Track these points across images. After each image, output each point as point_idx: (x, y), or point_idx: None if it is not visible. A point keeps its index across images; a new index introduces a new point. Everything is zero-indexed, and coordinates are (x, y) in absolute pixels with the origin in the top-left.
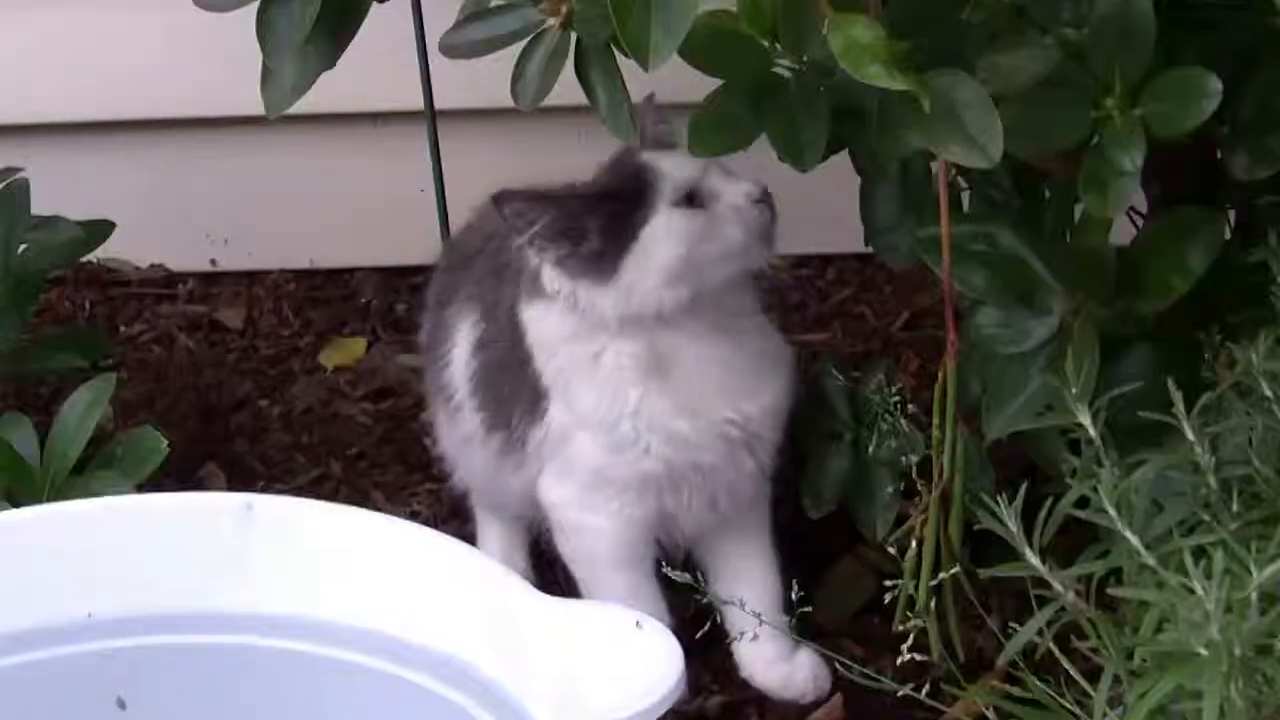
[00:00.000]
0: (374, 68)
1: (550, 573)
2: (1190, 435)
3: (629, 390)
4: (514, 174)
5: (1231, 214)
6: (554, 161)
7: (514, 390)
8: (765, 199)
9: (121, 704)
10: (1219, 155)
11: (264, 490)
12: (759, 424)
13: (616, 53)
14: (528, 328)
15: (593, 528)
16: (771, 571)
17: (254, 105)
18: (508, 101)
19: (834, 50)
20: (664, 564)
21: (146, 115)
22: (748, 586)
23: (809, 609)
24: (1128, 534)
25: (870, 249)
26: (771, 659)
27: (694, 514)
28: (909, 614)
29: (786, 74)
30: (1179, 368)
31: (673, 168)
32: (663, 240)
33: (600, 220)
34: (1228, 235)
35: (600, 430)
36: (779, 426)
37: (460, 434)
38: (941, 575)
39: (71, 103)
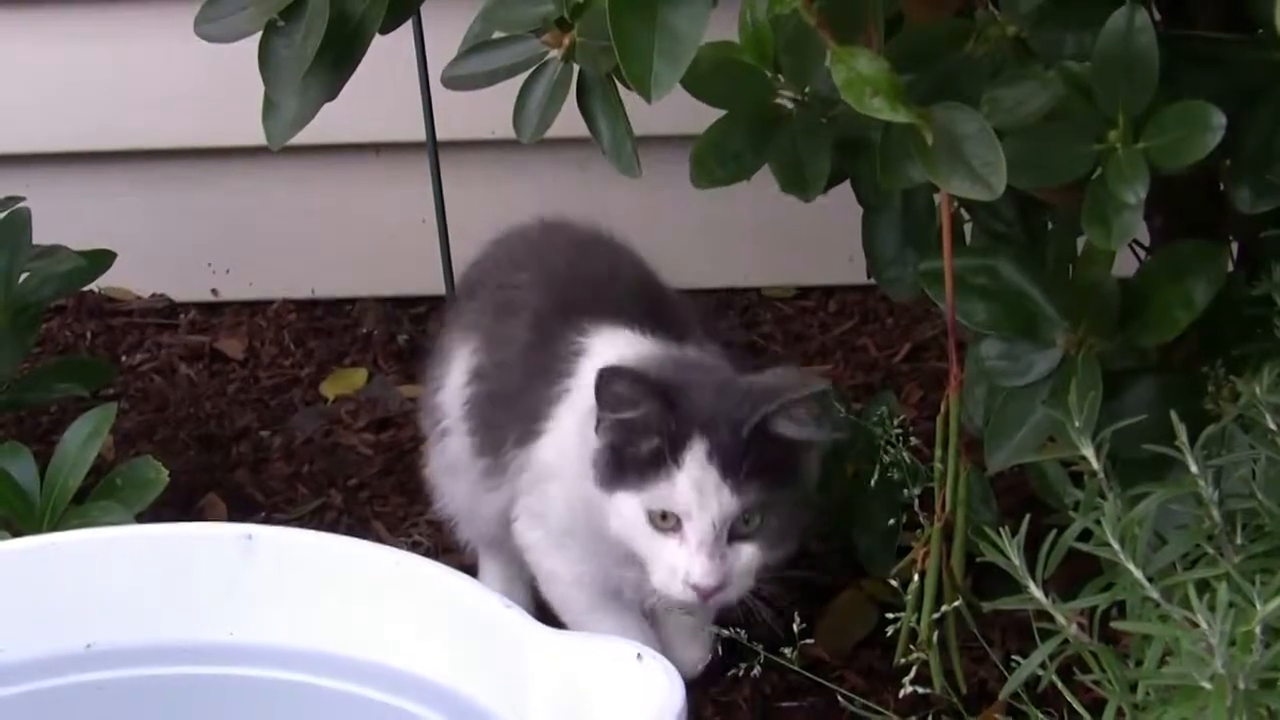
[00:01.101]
0: (376, 99)
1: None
2: (1194, 468)
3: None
4: (515, 205)
5: (1235, 247)
6: (556, 193)
7: (507, 419)
8: (700, 590)
9: None
10: (1222, 188)
11: (264, 520)
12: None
13: (619, 84)
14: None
15: (565, 578)
16: None
17: (256, 136)
18: (510, 133)
19: (836, 83)
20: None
21: (148, 145)
22: None
23: (810, 641)
24: (1131, 567)
25: (873, 281)
26: None
27: None
28: (911, 646)
29: (789, 105)
30: (1182, 400)
31: (682, 486)
32: (616, 515)
33: (647, 446)
34: (1231, 268)
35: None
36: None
37: (445, 460)
38: (944, 608)
39: (73, 133)
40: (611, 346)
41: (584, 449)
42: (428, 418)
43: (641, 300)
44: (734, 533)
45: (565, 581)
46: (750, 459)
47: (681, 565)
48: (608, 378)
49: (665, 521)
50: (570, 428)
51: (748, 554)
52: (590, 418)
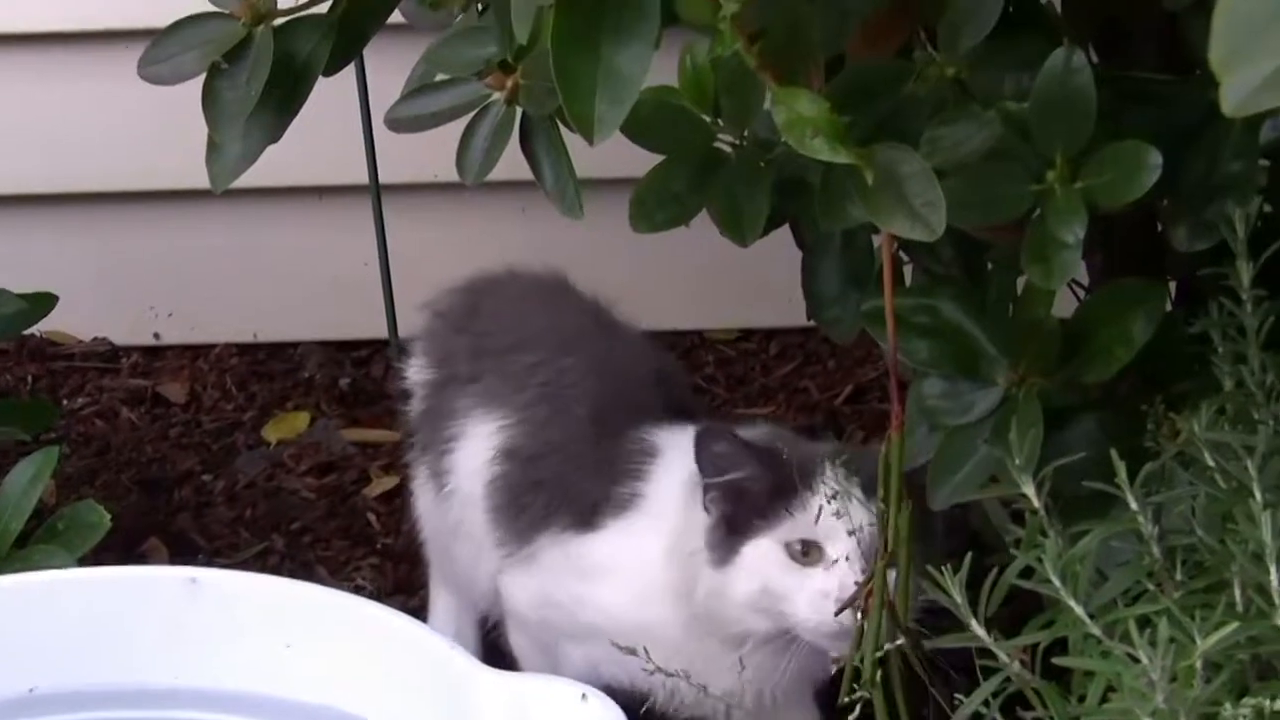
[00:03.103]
0: (319, 141)
1: (498, 647)
2: (1134, 505)
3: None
4: (459, 248)
5: (1173, 285)
6: (499, 236)
7: (551, 503)
8: (849, 603)
9: None
10: (1160, 227)
11: (207, 565)
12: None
13: (562, 127)
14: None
15: (560, 651)
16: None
17: (199, 178)
18: (453, 175)
19: (778, 123)
20: None
21: (90, 188)
22: None
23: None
24: (1072, 603)
25: (813, 322)
26: None
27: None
28: (854, 685)
29: (728, 149)
30: (1122, 438)
31: (822, 507)
32: (748, 569)
33: (764, 498)
34: (1169, 306)
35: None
36: None
37: (447, 521)
38: (887, 646)
39: (14, 175)
40: (685, 444)
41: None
42: (429, 473)
43: (671, 386)
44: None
45: (553, 663)
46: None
47: (834, 585)
48: (706, 440)
49: (806, 556)
50: (639, 537)
51: (889, 576)
52: (680, 521)
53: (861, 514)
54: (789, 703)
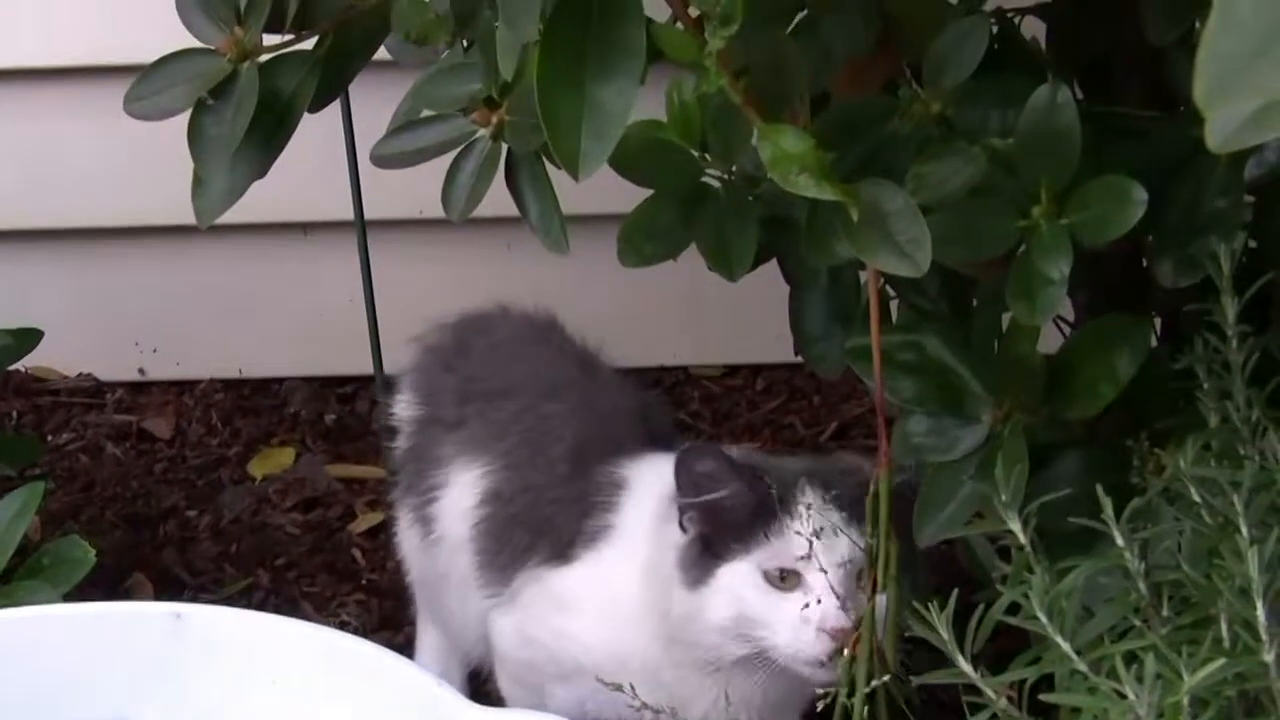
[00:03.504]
0: (305, 177)
1: (484, 684)
2: (1120, 540)
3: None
4: (444, 284)
5: (1158, 321)
6: (484, 272)
7: (531, 539)
8: (838, 634)
9: None
10: (1145, 263)
11: (192, 600)
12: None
13: (547, 162)
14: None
15: (546, 692)
16: None
17: (184, 214)
18: (438, 211)
19: (763, 160)
20: None
21: (75, 224)
22: None
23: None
24: (1059, 639)
25: (799, 358)
26: None
27: None
28: None
29: (716, 184)
30: (1108, 474)
31: (801, 531)
32: (724, 592)
33: (742, 520)
34: (1155, 343)
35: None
36: None
37: (435, 569)
38: (874, 683)
39: None
40: (653, 474)
41: (658, 566)
42: (414, 518)
43: (649, 415)
44: (858, 583)
45: (540, 701)
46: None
47: (814, 612)
48: (691, 458)
49: (784, 582)
50: (610, 567)
51: (879, 601)
52: (649, 549)
53: (842, 541)
54: None
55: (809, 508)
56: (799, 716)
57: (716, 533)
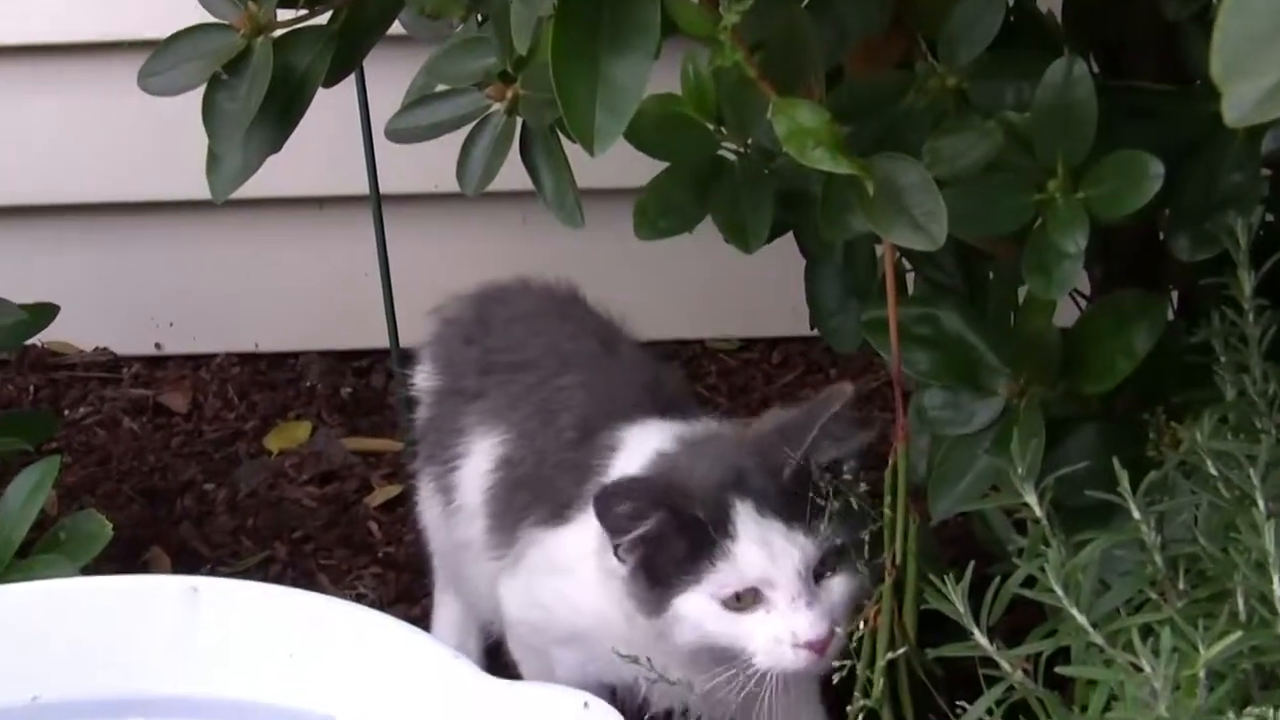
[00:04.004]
0: (320, 152)
1: (501, 654)
2: (1136, 514)
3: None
4: (459, 258)
5: (1174, 296)
6: (499, 246)
7: (532, 500)
8: (815, 645)
9: None
10: (1161, 237)
11: (209, 574)
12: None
13: (562, 137)
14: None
15: (552, 656)
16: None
17: (199, 189)
18: (453, 186)
19: (778, 134)
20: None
21: (91, 199)
22: None
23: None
24: (1075, 613)
25: (816, 332)
26: None
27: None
28: (857, 695)
29: (731, 157)
30: (1124, 448)
31: (746, 553)
32: (684, 622)
33: (681, 547)
34: (1171, 317)
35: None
36: None
37: (454, 537)
38: (891, 655)
39: (14, 187)
40: (643, 438)
41: (609, 580)
42: (436, 489)
43: (662, 385)
44: (817, 574)
45: (549, 666)
46: (805, 495)
47: (784, 630)
48: (606, 500)
49: (741, 601)
50: (596, 530)
51: (840, 584)
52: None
53: (788, 546)
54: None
55: (747, 524)
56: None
57: (658, 561)
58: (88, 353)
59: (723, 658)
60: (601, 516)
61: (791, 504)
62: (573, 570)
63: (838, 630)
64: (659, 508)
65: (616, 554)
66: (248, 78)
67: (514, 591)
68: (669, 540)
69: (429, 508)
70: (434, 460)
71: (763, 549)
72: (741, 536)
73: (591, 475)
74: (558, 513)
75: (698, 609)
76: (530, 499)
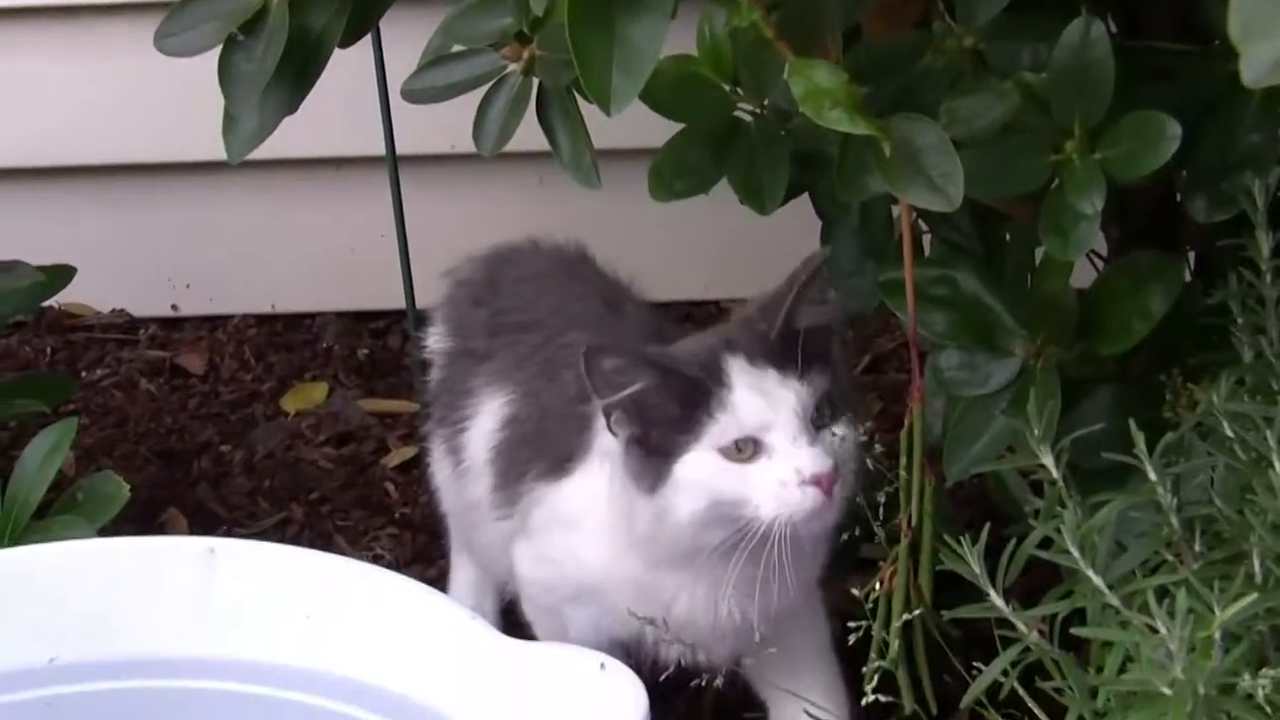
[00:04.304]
0: (336, 113)
1: (518, 616)
2: (1152, 476)
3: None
4: (475, 219)
5: (1191, 257)
6: (515, 207)
7: (533, 455)
8: (821, 480)
9: None
10: (1178, 199)
11: (225, 535)
12: (785, 613)
13: (578, 97)
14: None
15: (564, 615)
16: (829, 682)
17: (216, 150)
18: (469, 146)
19: (795, 95)
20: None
21: (108, 160)
22: (807, 690)
23: (772, 650)
24: (1091, 574)
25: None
26: None
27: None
28: (872, 656)
29: (747, 118)
30: (1140, 409)
31: (744, 401)
32: (687, 486)
33: (674, 410)
34: (1187, 278)
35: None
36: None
37: (465, 497)
38: (906, 616)
39: (32, 148)
40: None
41: (614, 475)
42: (446, 450)
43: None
44: (815, 425)
45: (562, 625)
46: (793, 352)
47: (788, 470)
48: (594, 356)
49: (743, 452)
50: (591, 478)
51: (840, 435)
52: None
53: (786, 392)
54: (804, 657)
55: (740, 373)
56: (835, 643)
57: (654, 431)
58: (105, 314)
59: (728, 520)
60: (590, 373)
61: (782, 356)
62: (579, 523)
63: (842, 475)
64: (648, 367)
65: (609, 425)
66: (264, 38)
67: (527, 552)
68: (660, 406)
69: (440, 469)
70: (445, 422)
71: (759, 395)
72: (737, 385)
73: (591, 425)
74: (559, 465)
75: (701, 466)
76: (532, 454)
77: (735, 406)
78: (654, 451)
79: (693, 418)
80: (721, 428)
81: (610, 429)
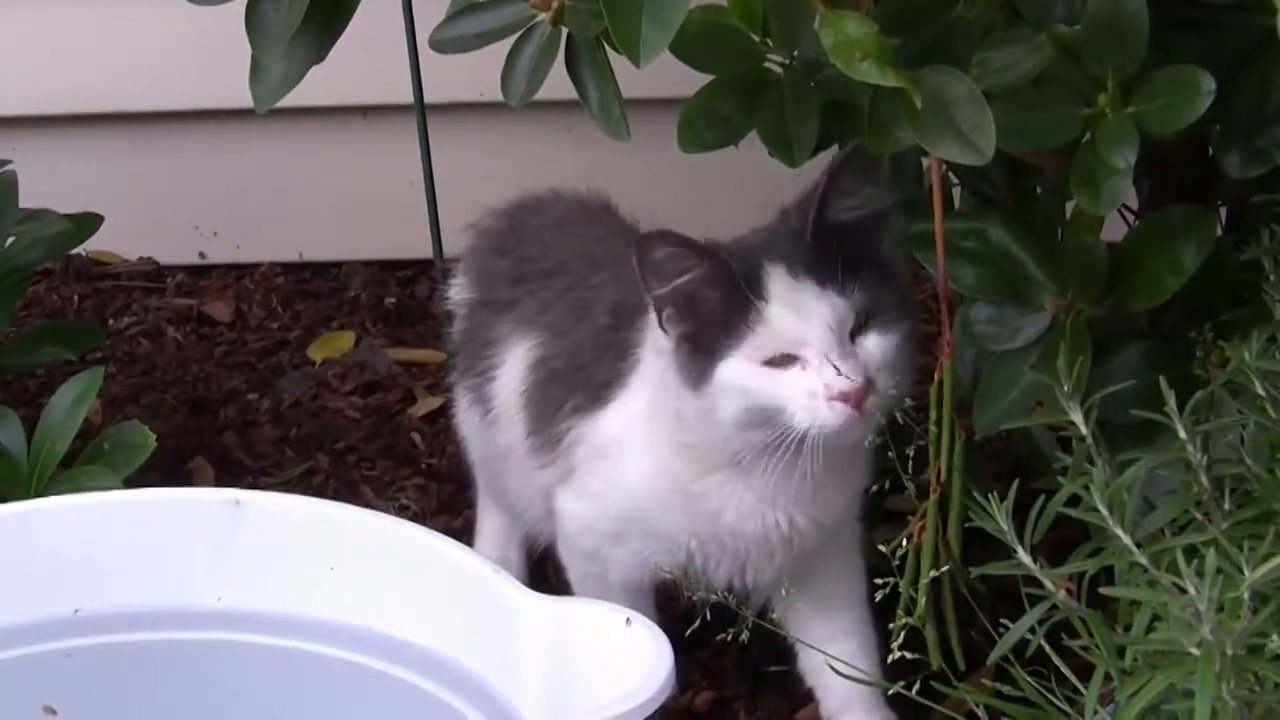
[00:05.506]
0: (364, 61)
1: (544, 568)
2: (1182, 434)
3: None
4: (503, 168)
5: (1223, 212)
6: (544, 156)
7: (567, 392)
8: (849, 397)
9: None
10: (1211, 153)
11: (252, 484)
12: (829, 524)
13: (608, 48)
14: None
15: (604, 556)
16: (863, 630)
17: (243, 98)
18: (498, 95)
19: (825, 46)
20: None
21: (135, 108)
22: (839, 644)
23: (798, 605)
24: (1119, 532)
25: None
26: None
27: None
28: (900, 612)
29: (777, 70)
30: (1171, 366)
31: (779, 316)
32: (728, 388)
33: (721, 310)
34: (1219, 234)
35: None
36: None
37: (493, 448)
38: (934, 573)
39: (60, 95)
40: None
41: (664, 375)
42: (473, 399)
43: None
44: (853, 333)
45: (602, 559)
46: (834, 256)
47: (817, 384)
48: (646, 245)
49: (780, 363)
50: (635, 395)
51: (874, 343)
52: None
53: (823, 305)
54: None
55: (778, 285)
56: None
57: (701, 329)
58: (132, 262)
59: (767, 423)
60: (641, 261)
61: (822, 263)
62: (621, 448)
63: (876, 386)
64: (700, 258)
65: (661, 323)
66: None
67: (566, 495)
68: (708, 303)
69: (467, 419)
70: (470, 372)
71: (794, 311)
72: (774, 300)
73: (629, 352)
74: (597, 396)
75: (739, 371)
76: (567, 390)
77: (771, 321)
78: (700, 350)
79: (735, 325)
80: (758, 339)
81: (662, 325)
